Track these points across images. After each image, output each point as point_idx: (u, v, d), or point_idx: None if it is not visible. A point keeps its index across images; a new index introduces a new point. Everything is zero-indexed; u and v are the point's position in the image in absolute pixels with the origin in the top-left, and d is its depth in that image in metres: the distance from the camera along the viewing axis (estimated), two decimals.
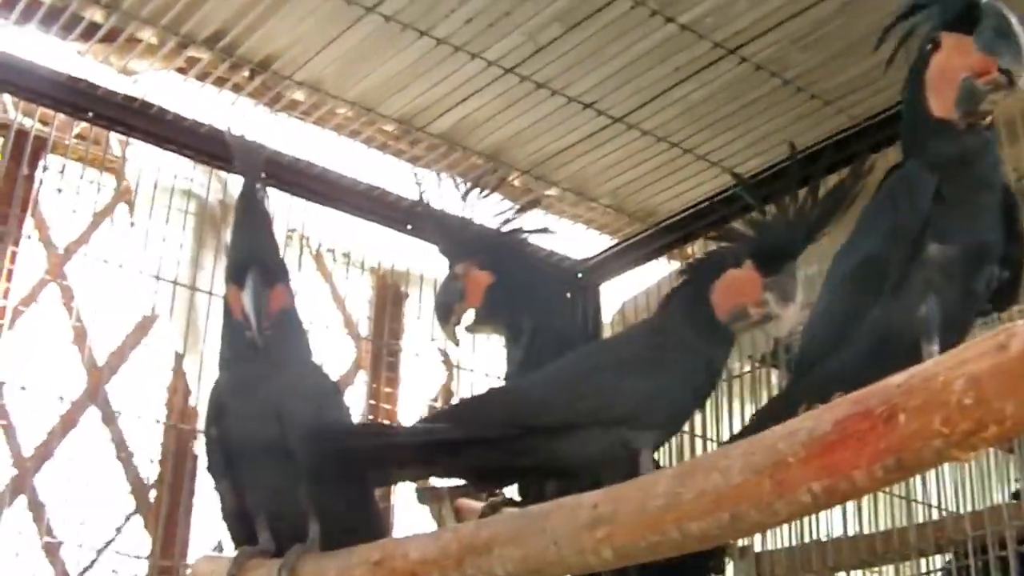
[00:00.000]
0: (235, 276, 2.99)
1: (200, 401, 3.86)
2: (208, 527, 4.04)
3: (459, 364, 4.62)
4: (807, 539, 3.79)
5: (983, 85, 2.36)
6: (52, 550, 3.77)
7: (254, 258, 2.99)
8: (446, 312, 3.19)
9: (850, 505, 3.86)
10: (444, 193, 3.28)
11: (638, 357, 2.62)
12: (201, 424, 3.86)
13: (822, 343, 2.69)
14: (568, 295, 3.38)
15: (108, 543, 3.97)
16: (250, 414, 2.90)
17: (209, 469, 3.00)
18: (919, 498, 3.96)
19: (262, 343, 2.92)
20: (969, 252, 2.46)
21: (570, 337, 3.15)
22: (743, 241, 2.74)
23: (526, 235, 3.30)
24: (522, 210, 3.32)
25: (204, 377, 3.79)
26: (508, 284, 3.14)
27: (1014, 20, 2.34)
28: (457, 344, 3.26)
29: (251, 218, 3.09)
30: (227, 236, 3.95)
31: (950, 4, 2.44)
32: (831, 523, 3.81)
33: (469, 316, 3.23)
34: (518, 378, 3.09)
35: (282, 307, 3.01)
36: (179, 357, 4.06)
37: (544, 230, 3.36)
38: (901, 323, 2.47)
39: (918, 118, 2.52)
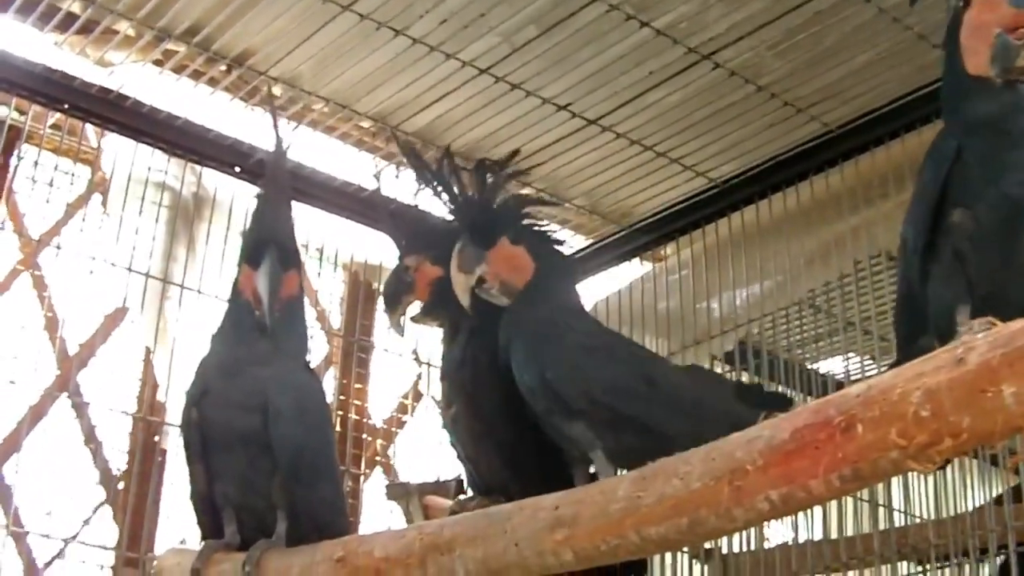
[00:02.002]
0: (251, 256, 3.02)
1: (170, 394, 3.85)
2: (175, 520, 4.04)
3: (430, 361, 4.63)
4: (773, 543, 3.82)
5: (1017, 40, 2.29)
6: (19, 539, 3.77)
7: (273, 240, 3.02)
8: (394, 302, 3.22)
9: (817, 510, 3.89)
10: (406, 187, 3.32)
11: None
12: (171, 417, 3.87)
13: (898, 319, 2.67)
14: None
15: (75, 534, 3.97)
16: (234, 400, 2.91)
17: (185, 449, 3.00)
18: (895, 504, 3.97)
19: (270, 325, 2.94)
20: (999, 211, 2.35)
21: None
22: None
23: None
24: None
25: (174, 370, 3.80)
26: None
27: None
28: (401, 334, 3.29)
29: (274, 200, 3.12)
30: (199, 230, 3.95)
31: None
32: (797, 527, 3.83)
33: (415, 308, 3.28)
34: (455, 377, 3.13)
35: (292, 294, 3.04)
36: (150, 350, 4.06)
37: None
38: (938, 294, 2.42)
39: (955, 78, 2.45)
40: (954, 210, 2.38)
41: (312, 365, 3.22)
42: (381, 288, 4.27)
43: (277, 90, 3.88)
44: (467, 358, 3.10)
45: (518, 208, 3.04)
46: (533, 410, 2.78)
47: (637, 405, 2.68)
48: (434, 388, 4.66)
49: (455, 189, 2.99)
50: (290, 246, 3.06)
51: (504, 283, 2.92)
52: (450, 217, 3.05)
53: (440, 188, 3.00)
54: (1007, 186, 2.33)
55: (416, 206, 3.33)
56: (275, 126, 3.21)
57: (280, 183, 3.16)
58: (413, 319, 3.30)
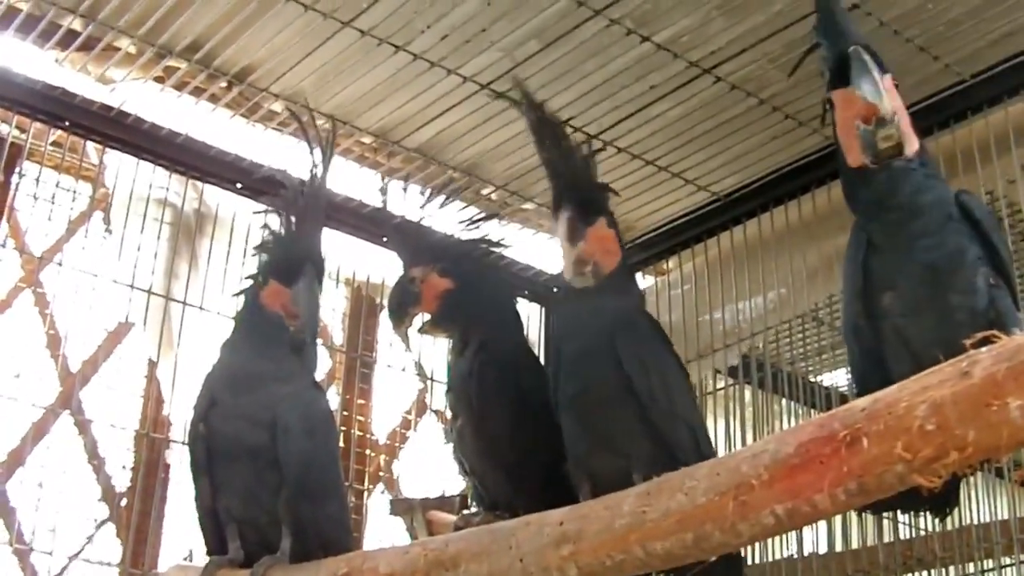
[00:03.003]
0: (284, 273, 3.05)
1: (173, 410, 3.85)
2: (179, 536, 4.04)
3: (432, 376, 4.62)
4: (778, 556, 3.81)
5: (872, 126, 2.54)
6: (23, 556, 3.76)
7: (310, 258, 3.04)
8: (400, 313, 3.22)
9: (822, 522, 3.87)
10: (411, 201, 3.32)
11: None
12: (174, 433, 3.87)
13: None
14: (519, 314, 3.39)
15: (79, 551, 3.96)
16: (243, 413, 2.92)
17: (191, 463, 3.00)
18: (900, 516, 3.96)
19: (307, 343, 2.97)
20: (920, 280, 2.54)
21: (515, 357, 3.18)
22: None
23: (489, 248, 3.34)
24: (486, 221, 3.36)
25: (178, 386, 3.79)
26: (466, 294, 3.18)
27: (869, 59, 2.53)
28: (408, 346, 3.30)
29: (311, 220, 3.14)
30: (201, 246, 3.95)
31: (830, 63, 2.64)
32: (801, 540, 3.82)
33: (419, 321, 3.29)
34: (461, 390, 3.13)
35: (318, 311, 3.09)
36: (152, 366, 4.06)
37: (501, 243, 3.39)
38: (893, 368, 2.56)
39: (846, 175, 2.68)
40: (882, 295, 2.59)
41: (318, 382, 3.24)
42: (384, 302, 4.29)
43: (278, 107, 3.88)
44: (474, 371, 3.09)
45: (607, 192, 3.03)
46: (644, 405, 2.75)
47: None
48: (437, 402, 4.67)
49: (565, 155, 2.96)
50: (322, 266, 3.10)
51: (596, 265, 2.86)
52: (553, 181, 2.99)
53: (556, 148, 2.96)
54: (918, 255, 2.53)
55: (420, 220, 3.34)
56: (321, 150, 3.23)
57: (317, 205, 3.19)
58: (421, 330, 3.31)
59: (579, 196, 2.89)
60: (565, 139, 2.97)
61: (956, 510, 3.40)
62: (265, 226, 3.25)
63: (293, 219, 3.16)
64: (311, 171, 3.22)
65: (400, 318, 3.23)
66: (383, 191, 3.34)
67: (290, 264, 3.07)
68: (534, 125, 3.00)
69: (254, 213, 3.57)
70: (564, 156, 2.95)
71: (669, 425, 2.74)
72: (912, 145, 2.57)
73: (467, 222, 3.39)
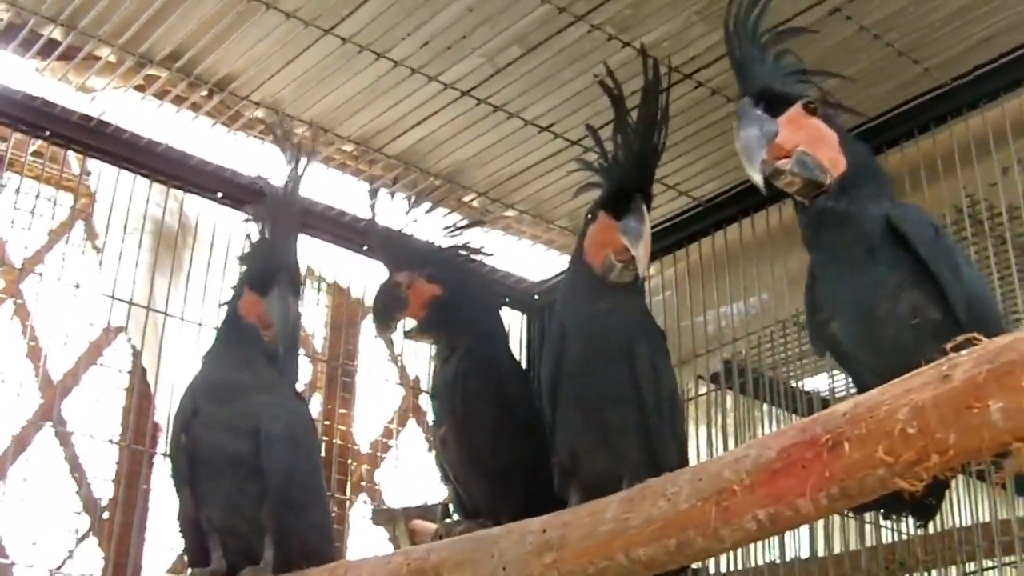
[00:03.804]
0: (258, 283, 3.04)
1: (158, 418, 3.84)
2: (161, 547, 4.03)
3: (416, 385, 4.62)
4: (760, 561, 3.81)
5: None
6: (4, 570, 3.74)
7: (284, 267, 3.04)
8: (386, 318, 3.23)
9: (804, 527, 3.87)
10: (395, 209, 3.32)
11: None
12: (156, 444, 3.86)
13: None
14: (503, 322, 3.40)
15: (61, 564, 3.95)
16: (225, 423, 2.92)
17: (172, 474, 3.00)
18: (882, 520, 3.96)
19: (280, 352, 2.96)
20: (852, 315, 2.59)
21: (500, 364, 3.19)
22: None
23: (473, 255, 3.35)
24: (470, 228, 3.37)
25: (160, 397, 3.78)
26: (453, 300, 3.19)
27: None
28: (392, 352, 3.31)
29: (284, 229, 3.14)
30: (183, 256, 3.93)
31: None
32: (783, 545, 3.81)
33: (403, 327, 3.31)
34: (445, 397, 3.13)
35: (295, 320, 3.07)
36: (134, 376, 4.04)
37: (482, 251, 3.40)
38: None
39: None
40: (829, 324, 2.65)
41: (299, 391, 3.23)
42: (368, 309, 4.29)
43: (259, 113, 3.87)
44: (458, 378, 3.10)
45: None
46: (647, 413, 2.78)
47: None
48: (421, 409, 4.67)
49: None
50: (296, 275, 3.09)
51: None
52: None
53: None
54: (843, 289, 2.58)
55: (403, 227, 3.35)
56: (294, 159, 3.22)
57: (290, 213, 3.19)
58: (407, 335, 3.31)
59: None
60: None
61: (938, 513, 3.41)
62: (247, 236, 3.25)
63: (267, 228, 3.16)
64: (285, 179, 3.22)
65: (385, 323, 3.24)
66: (371, 196, 3.35)
67: (263, 274, 3.06)
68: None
69: (238, 223, 3.57)
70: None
71: (662, 436, 2.74)
72: (837, 168, 2.54)
73: (450, 229, 3.41)
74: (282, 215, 3.18)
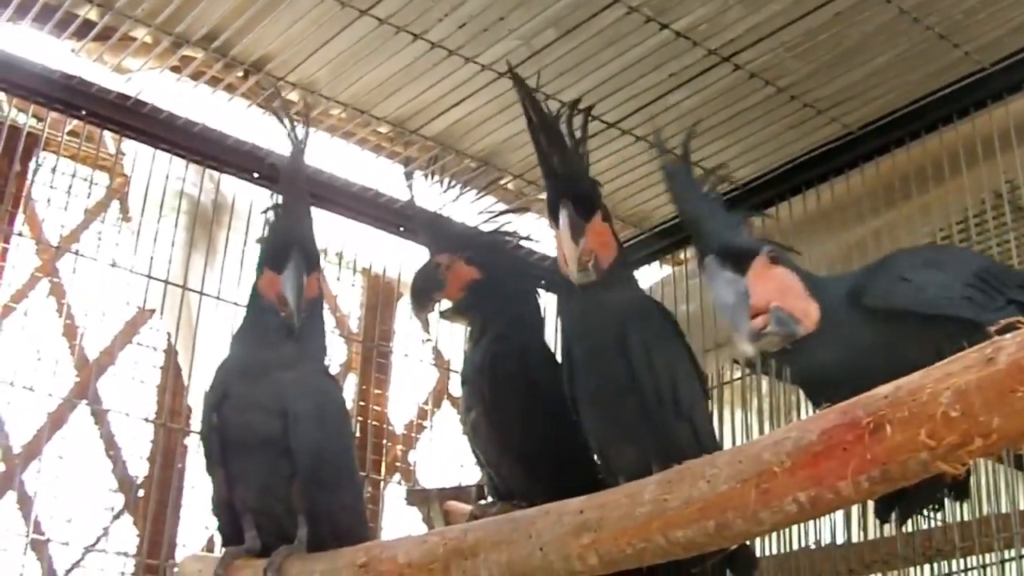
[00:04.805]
0: (273, 260, 3.05)
1: (192, 398, 3.85)
2: (196, 526, 4.05)
3: (449, 366, 4.62)
4: (795, 546, 3.79)
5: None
6: (39, 547, 3.76)
7: (296, 243, 3.04)
8: (424, 299, 3.23)
9: (840, 511, 3.86)
10: (432, 191, 3.32)
11: None
12: (191, 423, 3.87)
13: None
14: (540, 308, 3.39)
15: (95, 541, 3.97)
16: (255, 403, 2.92)
17: (204, 455, 3.00)
18: None
19: (298, 327, 2.96)
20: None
21: (529, 349, 3.18)
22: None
23: (515, 240, 3.35)
24: (510, 214, 3.36)
25: (194, 376, 3.80)
26: (491, 284, 3.19)
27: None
28: (427, 332, 3.31)
29: (294, 204, 3.14)
30: (218, 236, 3.94)
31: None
32: (819, 530, 3.80)
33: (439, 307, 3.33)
34: (475, 381, 3.13)
35: (314, 296, 3.07)
36: (169, 355, 4.05)
37: (522, 236, 3.40)
38: None
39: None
40: None
41: (332, 371, 3.23)
42: (404, 291, 4.30)
43: (294, 96, 3.87)
44: (487, 362, 3.09)
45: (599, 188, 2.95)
46: (647, 401, 2.72)
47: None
48: (455, 390, 4.68)
49: (563, 148, 2.83)
50: (312, 249, 3.09)
51: (596, 260, 2.77)
52: (547, 179, 2.89)
53: (553, 145, 2.83)
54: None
55: (440, 209, 3.35)
56: (291, 130, 3.21)
57: (298, 187, 3.18)
58: (443, 315, 3.32)
59: (577, 193, 2.79)
60: (560, 137, 2.84)
61: (976, 500, 3.40)
62: (265, 215, 3.25)
63: (280, 205, 3.16)
64: (290, 152, 3.22)
65: (422, 303, 3.24)
66: (408, 177, 3.35)
67: (278, 250, 3.06)
68: (532, 124, 2.92)
69: (270, 201, 3.57)
70: (560, 153, 2.83)
71: (666, 420, 2.71)
72: (810, 317, 2.46)
73: (489, 213, 3.41)
74: (291, 189, 3.18)
